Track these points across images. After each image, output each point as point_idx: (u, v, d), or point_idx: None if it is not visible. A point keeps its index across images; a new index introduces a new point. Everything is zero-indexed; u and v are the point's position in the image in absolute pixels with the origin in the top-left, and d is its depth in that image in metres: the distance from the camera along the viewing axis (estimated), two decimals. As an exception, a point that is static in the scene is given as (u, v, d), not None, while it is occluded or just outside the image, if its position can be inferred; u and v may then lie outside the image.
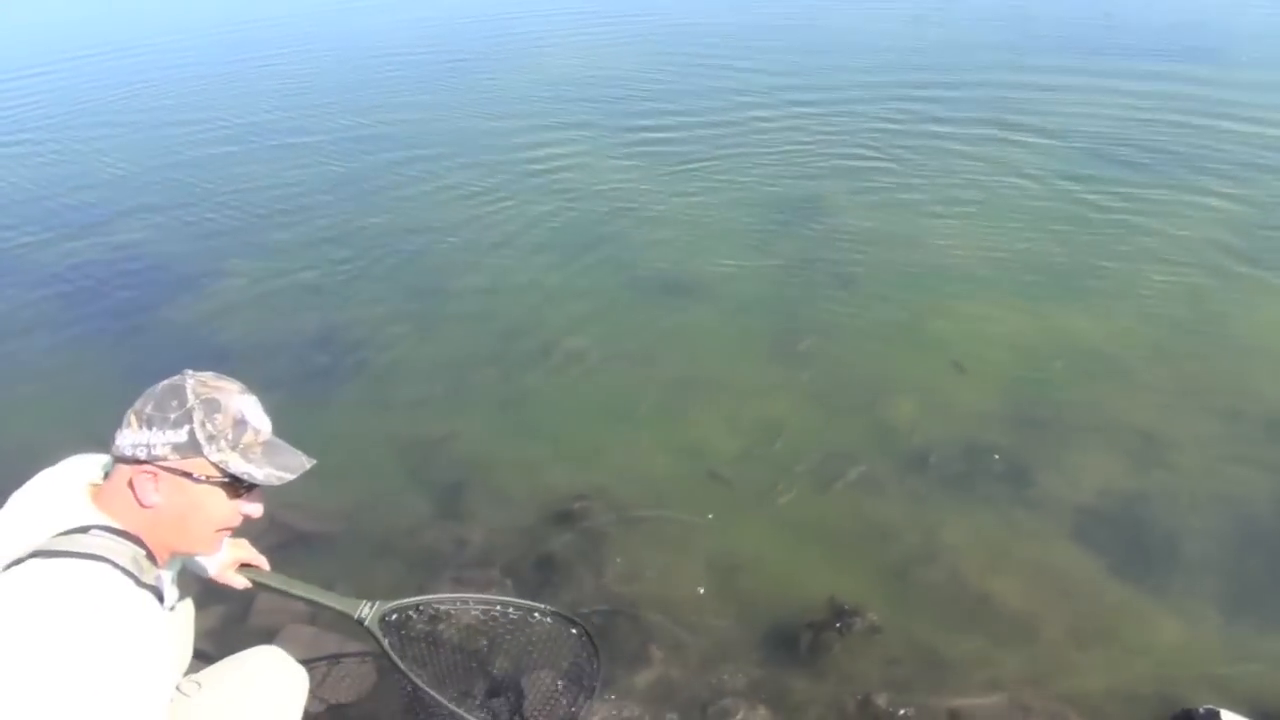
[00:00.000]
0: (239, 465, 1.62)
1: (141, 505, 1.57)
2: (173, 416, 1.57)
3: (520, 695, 2.53)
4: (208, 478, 1.61)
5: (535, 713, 2.49)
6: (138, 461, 1.56)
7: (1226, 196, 6.37)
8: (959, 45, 10.81)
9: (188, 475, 1.59)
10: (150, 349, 5.33)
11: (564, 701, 2.44)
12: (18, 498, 1.63)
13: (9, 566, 1.45)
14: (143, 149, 9.05)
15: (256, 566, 2.17)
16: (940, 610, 3.34)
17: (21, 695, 1.33)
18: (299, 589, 2.16)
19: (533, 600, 2.58)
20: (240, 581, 2.13)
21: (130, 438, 1.57)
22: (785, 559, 3.61)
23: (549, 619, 2.46)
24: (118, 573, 1.49)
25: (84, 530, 1.51)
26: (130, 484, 1.56)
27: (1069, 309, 5.17)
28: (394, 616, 2.26)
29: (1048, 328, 4.99)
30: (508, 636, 2.48)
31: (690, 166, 7.57)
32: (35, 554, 1.45)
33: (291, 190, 7.61)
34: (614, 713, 2.95)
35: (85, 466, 1.70)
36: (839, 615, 3.24)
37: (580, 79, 10.47)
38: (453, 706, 2.18)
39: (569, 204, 6.97)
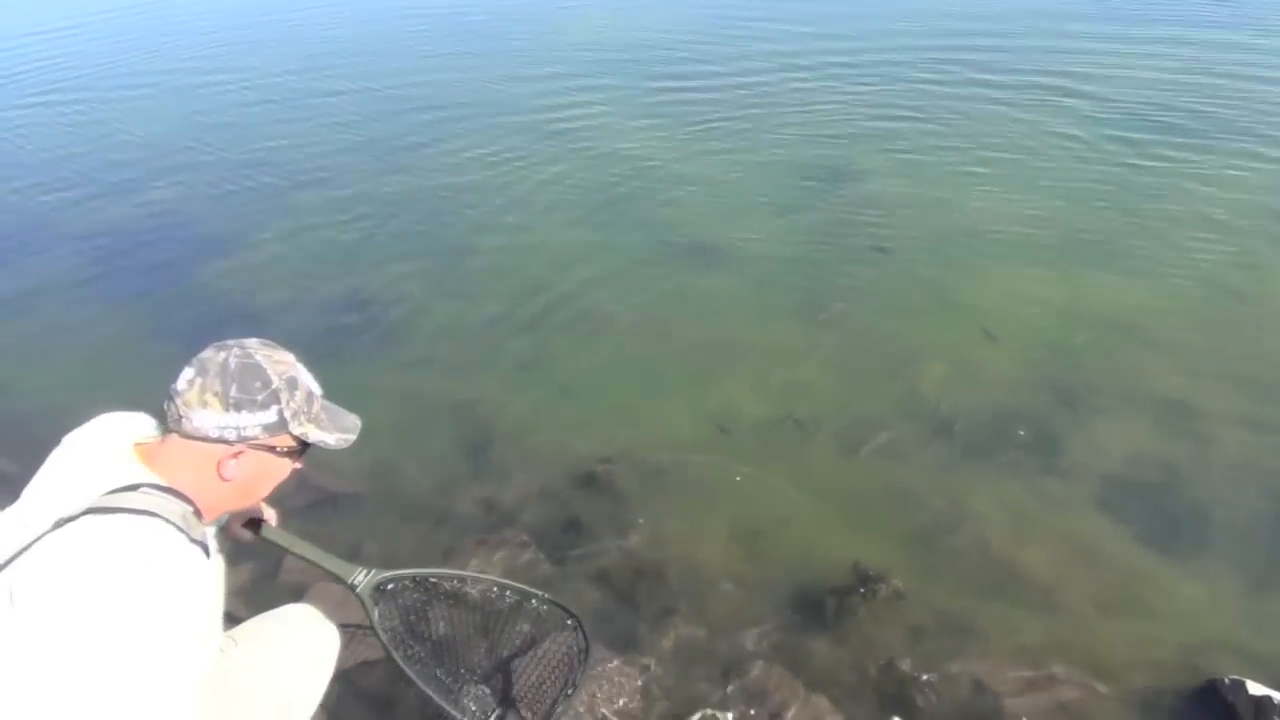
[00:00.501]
0: (316, 435, 1.72)
1: (223, 479, 1.64)
2: (260, 398, 1.63)
3: (506, 680, 2.49)
4: (287, 449, 1.70)
5: (519, 700, 2.45)
6: (225, 442, 1.62)
7: (1266, 163, 6.22)
8: (1001, 2, 10.58)
9: (272, 450, 1.68)
10: (178, 309, 5.37)
11: (549, 693, 2.41)
12: (57, 456, 1.65)
13: (62, 523, 1.48)
14: (167, 109, 9.09)
15: (265, 521, 2.18)
16: (965, 577, 3.33)
17: (79, 646, 1.38)
18: (300, 547, 2.16)
19: (533, 584, 2.53)
20: (246, 535, 2.16)
21: (216, 420, 1.61)
22: (810, 523, 3.61)
23: (545, 606, 2.43)
24: (170, 528, 1.53)
25: (134, 488, 1.54)
26: (218, 466, 1.63)
27: (1103, 276, 5.09)
28: (389, 586, 2.24)
29: (1080, 295, 4.92)
30: (502, 619, 2.44)
31: (719, 126, 7.50)
32: (89, 511, 1.49)
33: (316, 150, 7.62)
34: (638, 673, 2.98)
35: (122, 425, 1.72)
36: (863, 581, 3.24)
37: (604, 37, 10.38)
38: (423, 685, 2.19)
39: (595, 165, 6.93)
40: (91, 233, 6.43)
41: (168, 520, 1.53)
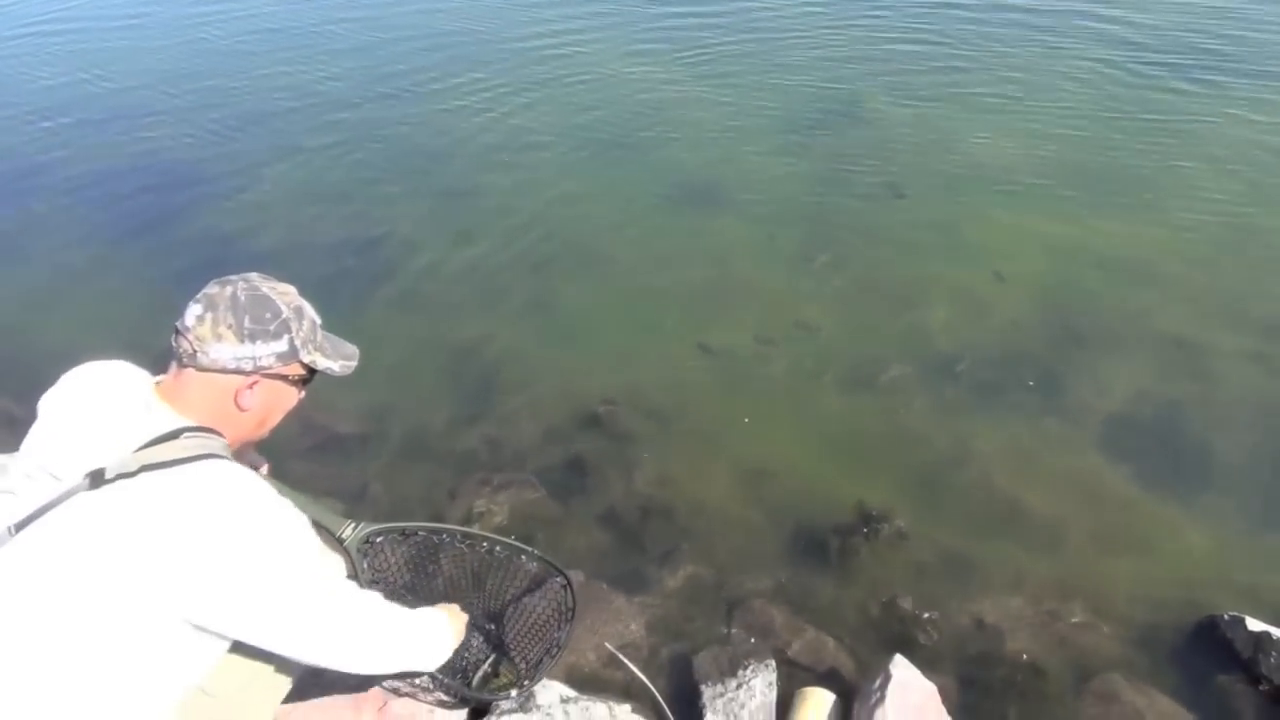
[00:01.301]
0: (324, 362, 1.80)
1: (240, 409, 1.69)
2: (272, 328, 1.68)
3: (491, 637, 2.48)
4: (298, 377, 1.77)
5: (512, 649, 2.45)
6: (241, 372, 1.67)
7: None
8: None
9: (284, 378, 1.74)
10: (177, 251, 5.31)
11: (537, 649, 2.42)
12: (66, 407, 1.63)
13: (104, 479, 1.50)
14: (162, 42, 8.89)
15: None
16: (968, 516, 3.36)
17: (232, 583, 1.52)
18: (289, 496, 2.16)
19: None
20: None
21: (232, 350, 1.65)
22: (814, 463, 3.62)
23: (535, 564, 2.42)
24: (234, 463, 1.61)
25: (174, 435, 1.58)
26: (236, 396, 1.68)
27: (1112, 216, 5.01)
28: (379, 539, 2.24)
29: (1089, 235, 4.86)
30: (491, 573, 2.43)
31: (720, 57, 7.30)
32: (145, 468, 1.51)
33: (311, 86, 7.46)
34: (644, 613, 3.02)
35: (120, 371, 1.69)
36: (867, 520, 3.27)
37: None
38: None
39: (594, 102, 6.78)
40: (87, 173, 6.33)
41: (222, 456, 1.60)
